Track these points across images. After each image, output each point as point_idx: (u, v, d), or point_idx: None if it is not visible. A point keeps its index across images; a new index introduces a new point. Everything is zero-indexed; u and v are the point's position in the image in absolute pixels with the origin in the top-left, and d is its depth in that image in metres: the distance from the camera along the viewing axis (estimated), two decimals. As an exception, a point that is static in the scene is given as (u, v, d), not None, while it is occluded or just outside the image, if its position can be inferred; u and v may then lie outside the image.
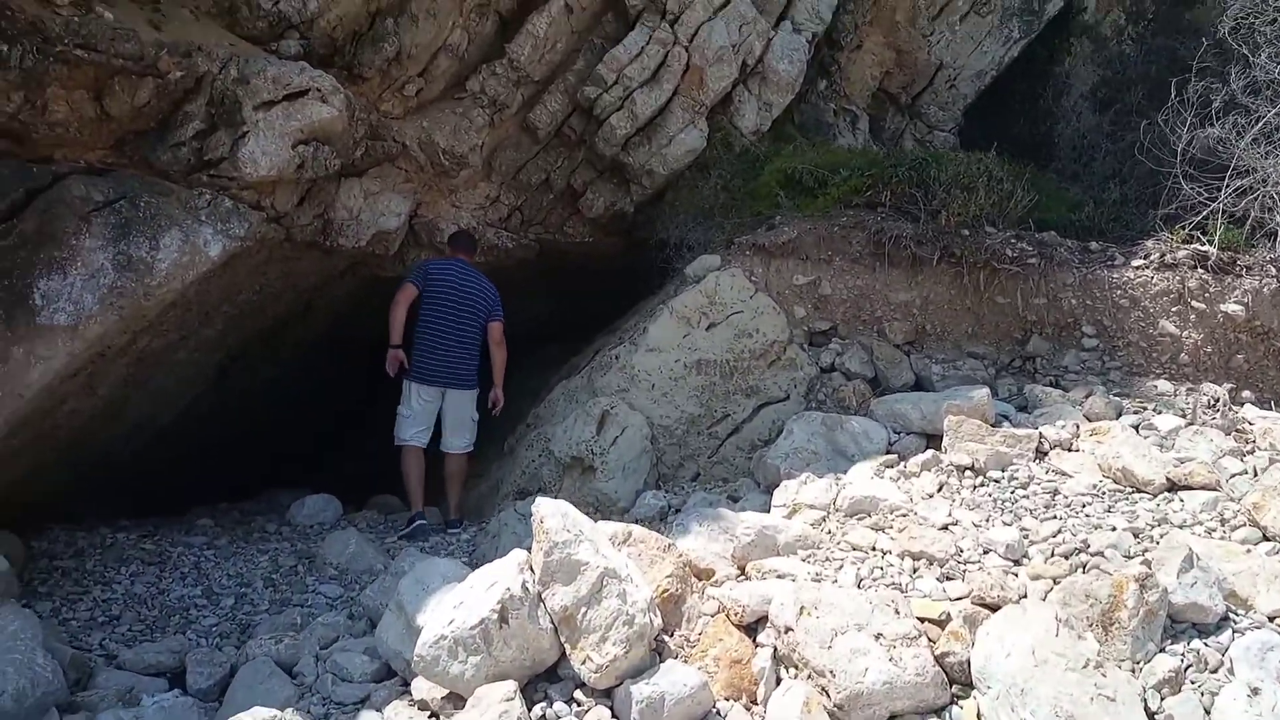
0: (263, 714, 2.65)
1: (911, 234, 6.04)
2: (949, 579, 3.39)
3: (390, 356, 5.96)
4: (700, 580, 3.61)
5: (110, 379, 5.09)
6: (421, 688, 2.99)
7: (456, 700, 2.91)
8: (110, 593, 4.26)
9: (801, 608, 3.01)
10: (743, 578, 3.58)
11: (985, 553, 3.54)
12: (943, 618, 3.08)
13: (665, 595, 3.25)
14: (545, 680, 2.99)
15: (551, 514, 3.00)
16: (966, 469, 4.32)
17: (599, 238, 7.74)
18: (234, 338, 6.75)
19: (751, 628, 3.18)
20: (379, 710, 3.03)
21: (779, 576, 3.43)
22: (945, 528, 3.76)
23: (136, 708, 3.01)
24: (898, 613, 3.04)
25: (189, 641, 3.84)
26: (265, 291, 6.33)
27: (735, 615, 3.18)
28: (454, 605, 2.96)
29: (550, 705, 2.86)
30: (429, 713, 2.99)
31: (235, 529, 5.70)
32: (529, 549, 3.16)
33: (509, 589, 2.87)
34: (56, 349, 4.25)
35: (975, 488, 4.16)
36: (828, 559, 3.61)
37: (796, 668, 2.97)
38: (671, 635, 3.20)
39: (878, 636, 2.92)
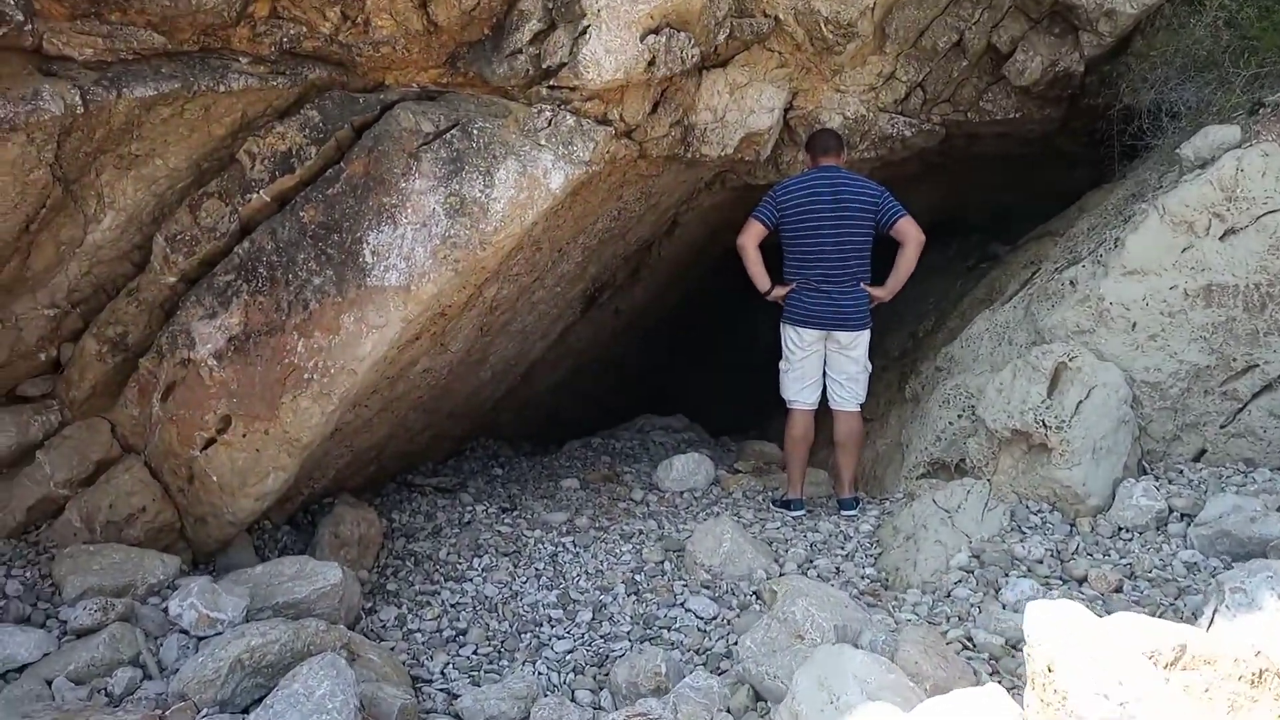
0: None
1: None
2: None
3: (773, 298, 4.85)
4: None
5: (462, 333, 4.52)
6: None
7: None
8: (460, 594, 3.70)
9: None
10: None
11: None
12: None
13: (1272, 783, 1.80)
14: None
15: (1072, 659, 1.67)
16: None
17: (1028, 113, 5.87)
18: (596, 267, 6.05)
19: None
20: None
21: None
22: None
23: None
24: None
25: (537, 680, 3.10)
26: (624, 216, 5.47)
27: None
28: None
29: None
30: None
31: (600, 492, 5.02)
32: (1005, 682, 1.86)
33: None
34: (389, 314, 3.65)
35: None
36: None
37: None
38: None
39: None
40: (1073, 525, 3.65)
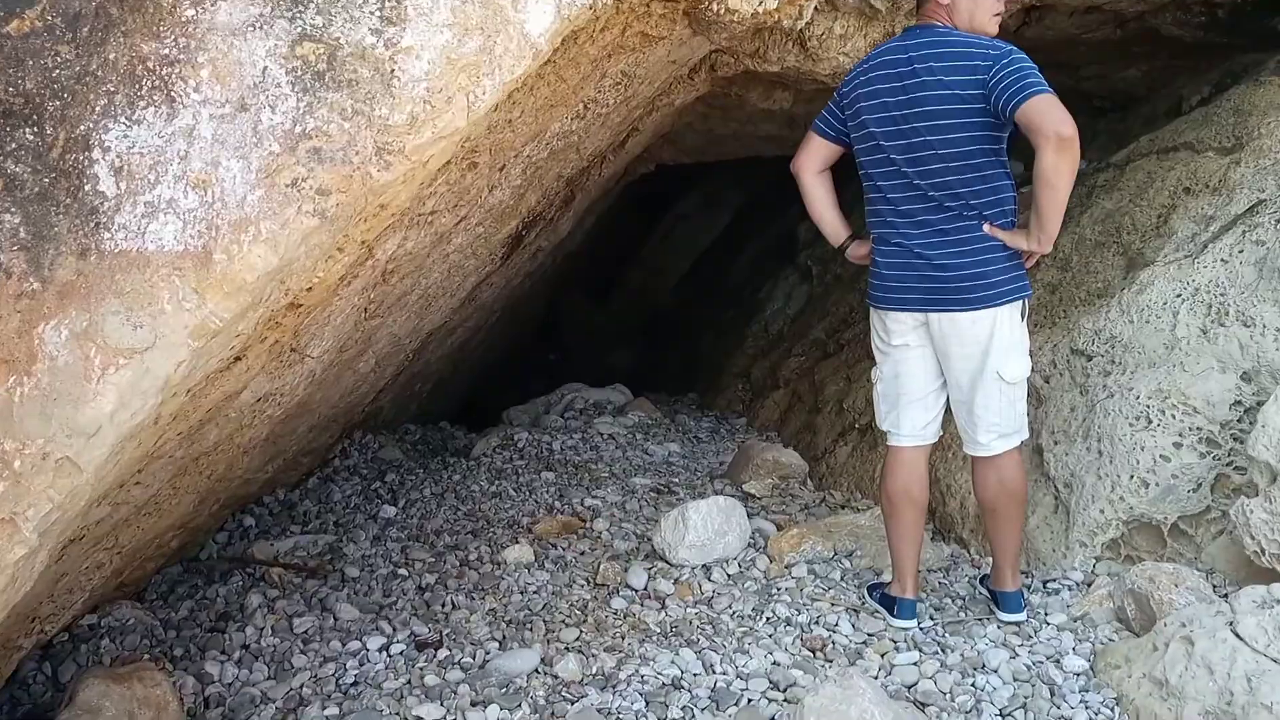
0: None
1: None
2: None
3: (856, 260, 2.86)
4: None
5: (331, 325, 2.42)
6: None
7: None
8: None
9: None
10: None
11: None
12: None
13: None
14: None
15: None
16: None
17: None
18: (536, 194, 4.00)
19: None
20: None
21: None
22: None
23: None
24: None
25: None
26: (589, 113, 3.41)
27: None
28: None
29: None
30: None
31: (569, 568, 3.07)
32: None
33: None
34: (160, 320, 1.52)
35: None
36: None
37: None
38: None
39: None
40: None
